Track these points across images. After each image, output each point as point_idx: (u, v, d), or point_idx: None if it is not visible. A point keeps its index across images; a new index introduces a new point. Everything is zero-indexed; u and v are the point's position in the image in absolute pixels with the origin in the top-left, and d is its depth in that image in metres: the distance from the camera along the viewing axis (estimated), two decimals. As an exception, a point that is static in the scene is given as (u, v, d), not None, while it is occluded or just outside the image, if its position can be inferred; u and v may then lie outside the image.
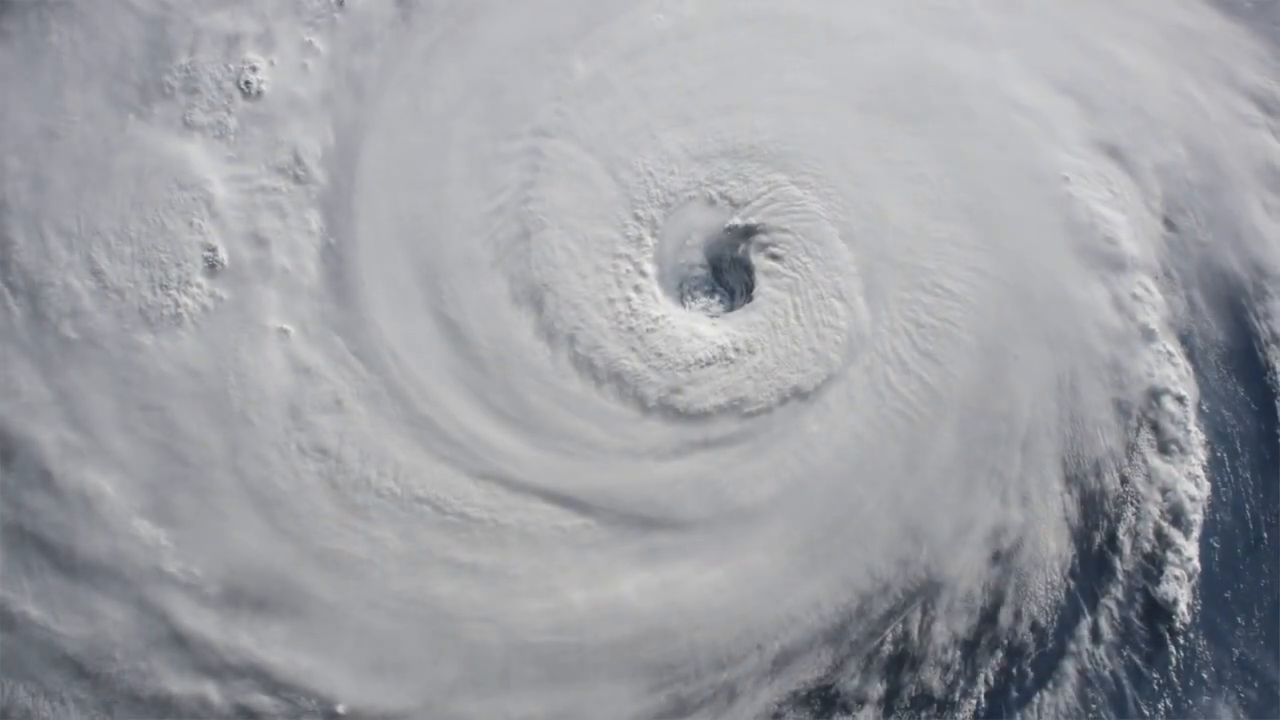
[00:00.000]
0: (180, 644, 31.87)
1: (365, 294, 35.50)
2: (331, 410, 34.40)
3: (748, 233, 37.19)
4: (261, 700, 31.64)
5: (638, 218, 36.96)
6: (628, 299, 36.22)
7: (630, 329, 35.76)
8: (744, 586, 32.99)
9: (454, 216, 36.50)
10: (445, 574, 32.72)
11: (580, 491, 33.86)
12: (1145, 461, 34.65)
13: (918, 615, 32.91)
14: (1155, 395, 35.08)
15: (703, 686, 32.17)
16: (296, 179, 37.16)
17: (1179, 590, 32.83)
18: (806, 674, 32.42)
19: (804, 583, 33.01)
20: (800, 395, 35.09)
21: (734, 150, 37.85)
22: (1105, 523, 33.88)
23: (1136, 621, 32.81)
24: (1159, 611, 32.78)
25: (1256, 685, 32.19)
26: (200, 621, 32.13)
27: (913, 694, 32.43)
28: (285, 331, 35.18)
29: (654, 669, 32.24)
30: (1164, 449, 34.68)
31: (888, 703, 32.35)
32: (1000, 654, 32.57)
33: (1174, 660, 32.38)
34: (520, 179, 36.99)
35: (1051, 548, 33.55)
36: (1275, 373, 35.46)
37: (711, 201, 37.46)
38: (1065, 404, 34.97)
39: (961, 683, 32.45)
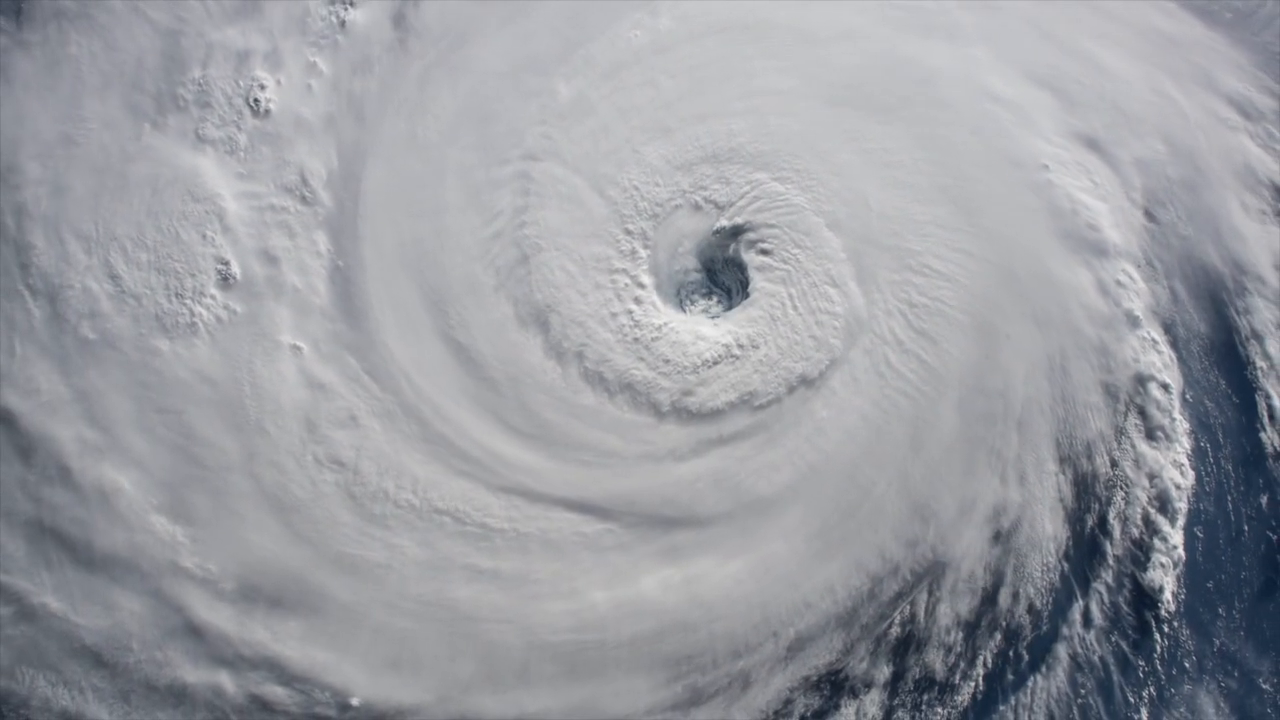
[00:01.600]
0: (195, 635, 32.80)
1: (375, 316, 36.43)
2: (347, 425, 35.34)
3: (736, 232, 38.11)
4: (275, 691, 32.50)
5: (629, 232, 37.92)
6: (630, 311, 37.14)
7: (636, 339, 36.69)
8: (763, 576, 33.92)
9: (454, 243, 37.47)
10: (465, 579, 33.64)
11: (602, 498, 34.77)
12: (1133, 446, 35.54)
13: (924, 596, 33.78)
14: (1141, 381, 35.98)
15: (719, 676, 33.07)
16: (304, 200, 38.10)
17: (1165, 578, 33.77)
18: (818, 659, 33.30)
19: (820, 568, 33.96)
20: (807, 383, 35.96)
21: (714, 155, 38.74)
22: (1097, 506, 34.79)
23: (1125, 607, 33.71)
24: (1146, 598, 33.67)
25: (1237, 675, 33.18)
26: (216, 615, 33.10)
27: (916, 677, 33.26)
28: (298, 348, 36.17)
29: (672, 661, 33.14)
30: (1151, 435, 35.57)
31: (892, 686, 33.20)
32: (999, 636, 33.44)
33: (1159, 648, 33.30)
34: (514, 204, 37.89)
35: (1047, 528, 34.45)
36: (1255, 368, 36.30)
37: (697, 207, 38.33)
38: (1057, 384, 35.89)
39: (962, 665, 33.32)
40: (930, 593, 33.64)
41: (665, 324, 36.91)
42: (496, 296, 36.76)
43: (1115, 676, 32.97)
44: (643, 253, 37.94)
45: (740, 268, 38.06)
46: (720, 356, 36.16)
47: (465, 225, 37.62)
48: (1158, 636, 33.26)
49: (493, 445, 35.04)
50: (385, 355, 35.88)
